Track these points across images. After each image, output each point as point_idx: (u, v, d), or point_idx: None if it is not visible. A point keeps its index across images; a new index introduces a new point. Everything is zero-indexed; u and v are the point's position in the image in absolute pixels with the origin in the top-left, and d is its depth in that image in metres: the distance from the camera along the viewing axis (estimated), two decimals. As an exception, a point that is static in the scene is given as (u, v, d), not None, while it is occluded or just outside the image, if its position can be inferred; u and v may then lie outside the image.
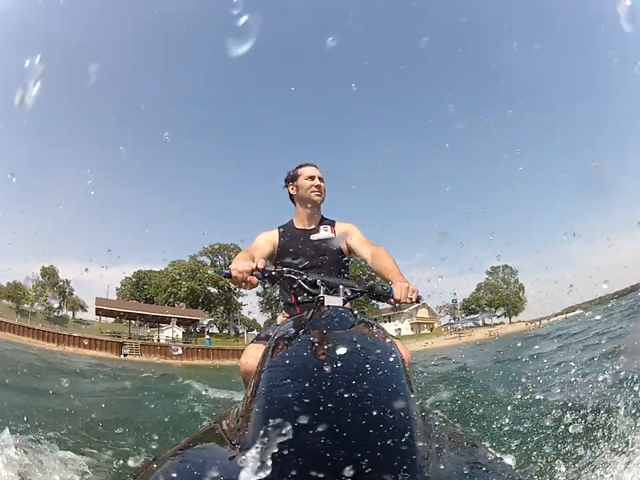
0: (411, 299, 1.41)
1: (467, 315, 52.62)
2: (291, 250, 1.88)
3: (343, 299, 1.36)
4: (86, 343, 30.38)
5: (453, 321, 51.77)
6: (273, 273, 1.43)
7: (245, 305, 49.45)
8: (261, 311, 52.37)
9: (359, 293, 1.46)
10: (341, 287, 1.41)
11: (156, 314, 38.26)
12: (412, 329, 50.29)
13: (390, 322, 51.63)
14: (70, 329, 36.18)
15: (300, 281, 1.45)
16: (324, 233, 1.93)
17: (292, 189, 1.99)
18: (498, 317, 53.08)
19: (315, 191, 1.92)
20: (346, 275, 1.94)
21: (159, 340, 36.70)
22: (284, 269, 1.49)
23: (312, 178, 1.93)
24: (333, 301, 1.32)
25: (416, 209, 78.66)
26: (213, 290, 44.81)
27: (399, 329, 50.38)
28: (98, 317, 38.85)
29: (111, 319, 40.51)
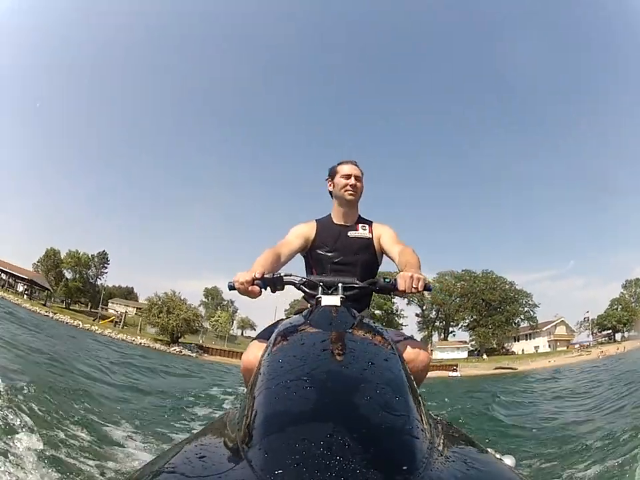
0: (417, 288, 1.33)
1: (600, 332, 52.51)
2: (326, 243, 1.91)
3: (341, 298, 1.34)
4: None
5: (585, 339, 51.86)
6: (274, 279, 1.45)
7: (405, 326, 52.02)
8: (419, 330, 55.05)
9: (360, 289, 1.44)
10: (339, 285, 1.39)
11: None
12: (549, 345, 50.95)
13: (529, 339, 52.61)
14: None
15: (299, 284, 1.48)
16: (362, 231, 1.94)
17: (330, 185, 2.01)
18: (629, 332, 52.63)
19: (349, 190, 1.91)
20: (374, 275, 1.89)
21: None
22: (282, 274, 1.49)
23: (348, 177, 1.92)
24: (330, 300, 1.32)
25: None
26: (377, 312, 47.55)
27: (537, 346, 51.25)
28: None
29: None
